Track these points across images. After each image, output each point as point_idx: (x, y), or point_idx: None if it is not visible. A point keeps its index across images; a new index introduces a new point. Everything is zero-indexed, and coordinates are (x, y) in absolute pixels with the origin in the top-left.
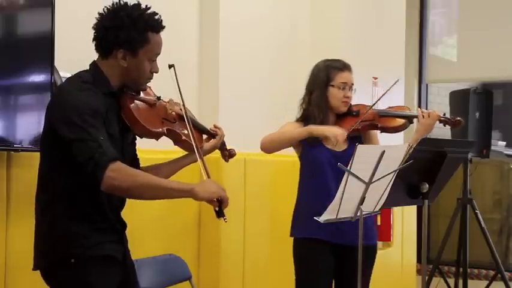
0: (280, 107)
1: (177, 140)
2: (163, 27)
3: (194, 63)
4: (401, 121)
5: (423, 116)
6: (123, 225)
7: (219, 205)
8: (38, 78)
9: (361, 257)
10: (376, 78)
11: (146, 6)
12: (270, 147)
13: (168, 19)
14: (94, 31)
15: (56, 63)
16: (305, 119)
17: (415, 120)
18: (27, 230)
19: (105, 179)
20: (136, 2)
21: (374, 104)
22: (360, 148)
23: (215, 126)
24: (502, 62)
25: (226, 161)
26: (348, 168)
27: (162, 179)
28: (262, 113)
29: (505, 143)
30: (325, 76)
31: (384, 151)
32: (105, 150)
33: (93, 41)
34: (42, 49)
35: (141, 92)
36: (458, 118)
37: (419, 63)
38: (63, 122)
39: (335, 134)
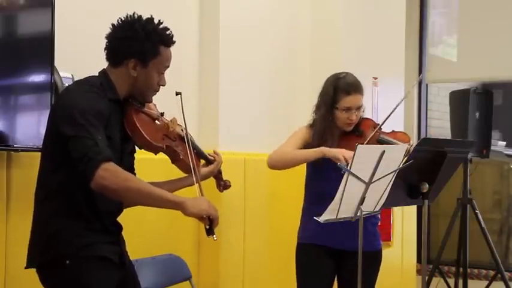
0: (280, 108)
1: (175, 159)
2: (173, 42)
3: (195, 65)
4: None
5: None
6: (118, 227)
7: (210, 223)
8: (38, 78)
9: (361, 260)
10: (376, 78)
11: (159, 20)
12: (280, 166)
13: (168, 26)
14: (106, 41)
15: (56, 63)
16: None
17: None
18: (27, 230)
19: (96, 177)
20: (150, 16)
21: (382, 123)
22: (360, 148)
23: (214, 152)
24: (502, 62)
25: (221, 191)
26: (348, 168)
27: (153, 187)
28: (263, 113)
29: (505, 143)
30: (332, 97)
31: (384, 151)
32: (100, 149)
33: (104, 50)
34: (42, 49)
35: (145, 106)
36: None
37: (419, 63)
38: (65, 119)
39: (346, 157)
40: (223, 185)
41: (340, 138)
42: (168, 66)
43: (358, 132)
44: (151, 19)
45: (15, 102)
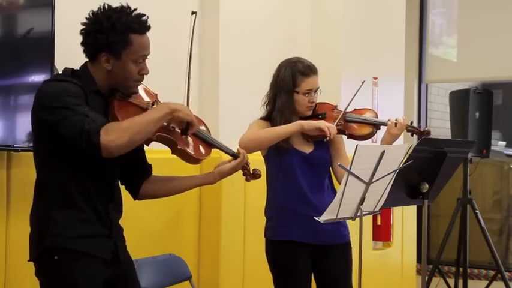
0: None
1: (173, 149)
2: (148, 28)
3: (194, 64)
4: (369, 129)
5: (396, 125)
6: (112, 218)
7: (187, 127)
8: (38, 78)
9: (360, 256)
10: (376, 78)
11: (131, 8)
12: (254, 146)
13: (167, 21)
14: (81, 36)
15: (56, 63)
16: (270, 120)
17: (382, 127)
18: (27, 230)
19: (103, 143)
20: (125, 5)
21: (346, 108)
22: (360, 148)
23: (238, 150)
24: (502, 62)
25: (248, 180)
26: (348, 168)
27: (141, 116)
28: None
29: (505, 143)
30: (291, 82)
31: (384, 151)
32: (92, 118)
33: (80, 45)
34: (42, 49)
35: (144, 93)
36: (427, 129)
37: (419, 63)
38: (45, 110)
39: (327, 125)
40: (252, 174)
41: None
42: (146, 55)
43: (321, 116)
44: (120, 7)
45: (15, 102)
